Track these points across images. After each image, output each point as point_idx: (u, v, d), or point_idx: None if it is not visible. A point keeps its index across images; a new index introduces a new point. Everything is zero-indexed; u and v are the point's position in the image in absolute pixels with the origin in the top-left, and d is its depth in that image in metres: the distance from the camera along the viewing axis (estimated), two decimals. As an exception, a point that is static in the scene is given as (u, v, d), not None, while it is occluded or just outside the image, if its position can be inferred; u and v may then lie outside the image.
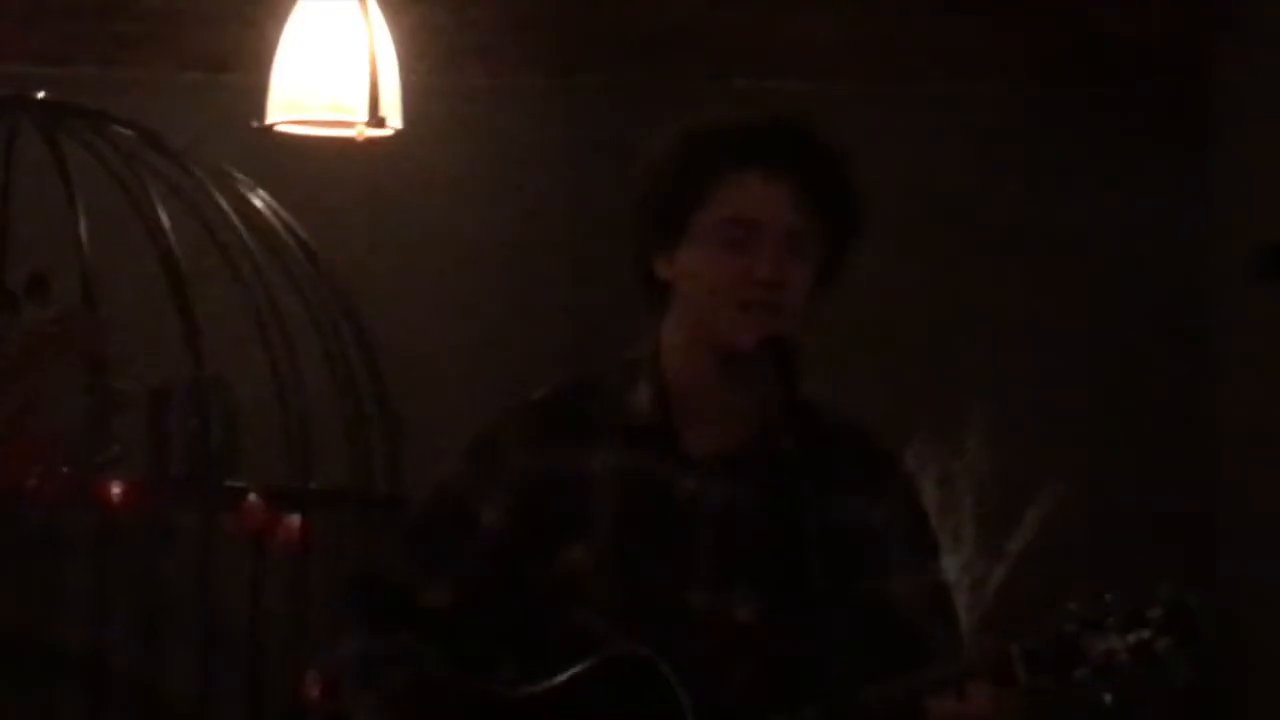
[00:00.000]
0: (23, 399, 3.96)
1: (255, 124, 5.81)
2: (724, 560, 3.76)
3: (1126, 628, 3.56)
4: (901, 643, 3.74)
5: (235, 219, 6.00)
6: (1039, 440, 6.27)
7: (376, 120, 5.78)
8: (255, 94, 5.84)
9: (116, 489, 5.80)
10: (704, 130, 3.72)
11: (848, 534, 3.74)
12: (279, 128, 5.85)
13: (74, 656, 6.16)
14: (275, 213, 6.06)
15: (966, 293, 6.52)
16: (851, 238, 3.71)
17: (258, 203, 6.05)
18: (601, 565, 3.76)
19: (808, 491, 3.73)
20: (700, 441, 3.75)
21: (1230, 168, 6.45)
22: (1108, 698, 3.63)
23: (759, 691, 3.75)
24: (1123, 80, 6.59)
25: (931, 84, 6.58)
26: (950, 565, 5.55)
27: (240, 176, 6.06)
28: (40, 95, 6.03)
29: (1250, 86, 6.37)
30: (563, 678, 3.72)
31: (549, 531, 3.77)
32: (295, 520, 5.89)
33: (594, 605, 3.76)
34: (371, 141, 5.85)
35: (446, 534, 3.83)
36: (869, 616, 3.75)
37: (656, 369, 3.77)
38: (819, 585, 3.68)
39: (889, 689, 3.67)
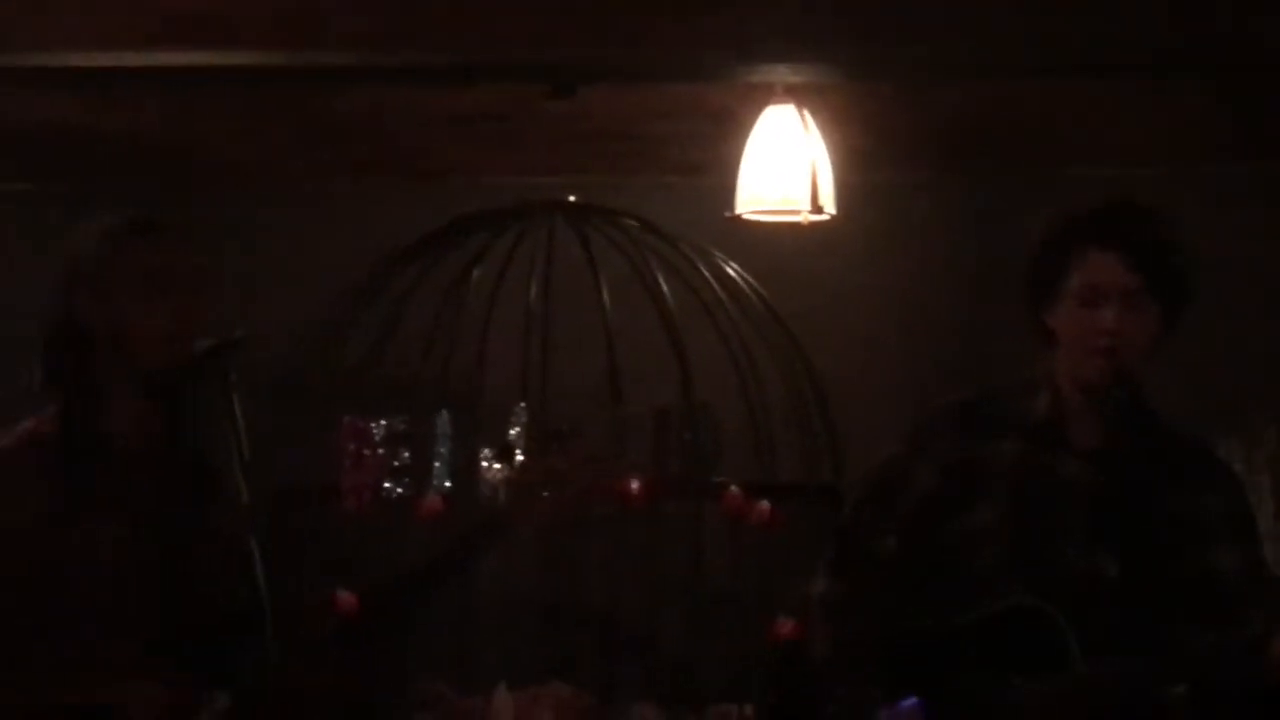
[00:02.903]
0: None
1: (727, 214, 6.00)
2: (1094, 528, 3.87)
3: None
4: (1222, 601, 3.86)
5: (715, 284, 6.24)
6: None
7: (816, 208, 5.93)
8: (724, 191, 6.00)
9: (634, 485, 5.98)
10: (1063, 219, 3.95)
11: (1185, 515, 3.88)
12: (745, 216, 6.02)
13: (595, 615, 6.43)
14: (743, 278, 6.28)
15: (1259, 332, 6.46)
16: (1182, 293, 3.89)
17: (730, 272, 6.27)
18: (1002, 525, 3.91)
19: (1157, 481, 3.89)
20: (1080, 438, 3.92)
21: None
22: None
23: (1117, 634, 3.81)
24: None
25: (1238, 163, 6.54)
26: (1264, 529, 5.53)
27: (718, 253, 6.28)
28: (570, 199, 6.28)
29: None
30: (973, 617, 3.88)
31: (965, 497, 3.94)
32: (765, 506, 6.07)
33: (994, 557, 3.91)
34: (813, 224, 5.98)
35: (892, 497, 4.02)
36: (1198, 579, 3.86)
37: (1053, 384, 3.94)
38: (1164, 551, 3.85)
39: (1237, 641, 3.78)
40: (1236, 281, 6.29)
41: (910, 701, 3.88)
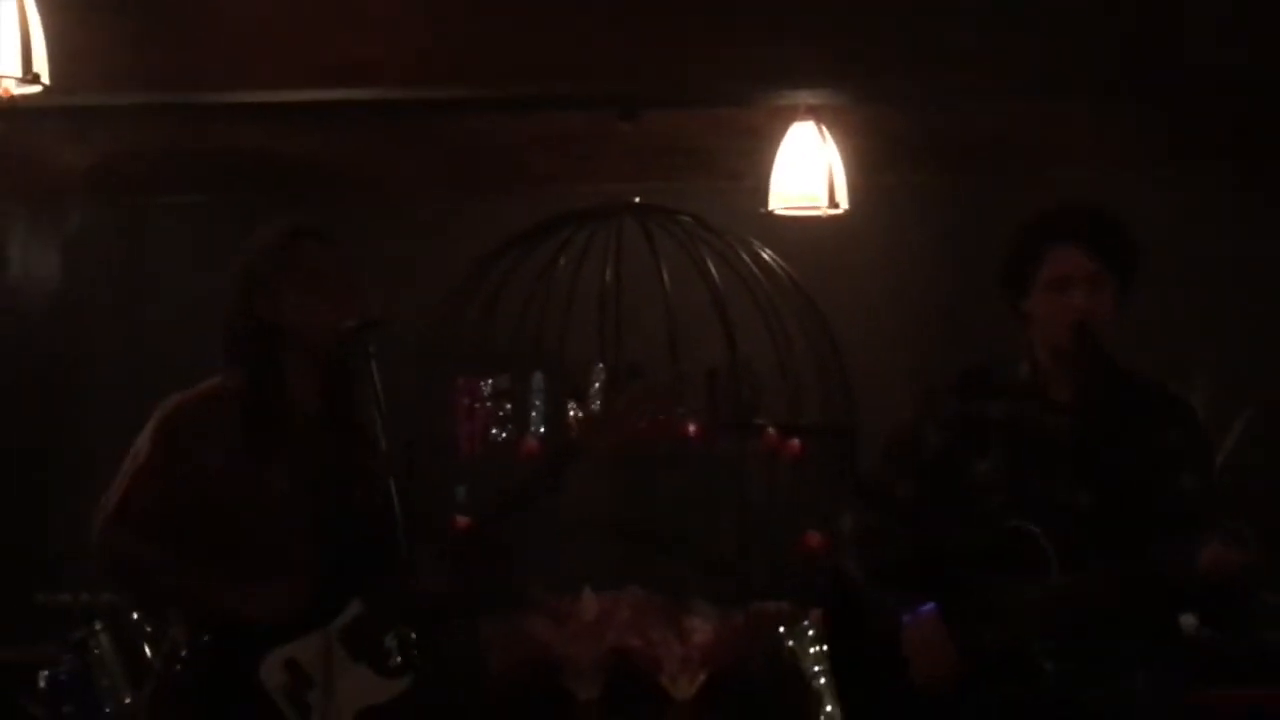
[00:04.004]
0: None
1: (762, 210, 6.18)
2: (1074, 467, 3.93)
3: None
4: (1186, 520, 3.84)
5: (753, 266, 6.41)
6: (1243, 381, 6.07)
7: (833, 205, 6.13)
8: (760, 192, 6.17)
9: (691, 428, 6.18)
10: (1035, 220, 4.03)
11: (1151, 449, 3.92)
12: (776, 211, 6.18)
13: (664, 532, 6.44)
14: (776, 261, 6.44)
15: (1196, 298, 6.46)
16: (1132, 269, 3.97)
17: (766, 256, 6.44)
18: (998, 472, 3.98)
19: (1124, 424, 3.92)
20: (1059, 394, 4.00)
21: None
22: None
23: (1095, 553, 3.85)
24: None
25: (1173, 166, 6.51)
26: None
27: (755, 241, 6.43)
28: (636, 199, 6.43)
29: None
30: (977, 541, 3.94)
31: (967, 451, 4.01)
32: (795, 443, 6.25)
33: (995, 495, 3.97)
34: (830, 218, 6.15)
35: (908, 451, 4.08)
36: (1164, 503, 3.87)
37: (1031, 355, 4.03)
38: (1134, 481, 3.87)
39: (1181, 549, 3.76)
40: (1178, 258, 6.31)
41: (928, 607, 3.96)
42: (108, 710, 5.52)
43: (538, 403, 6.19)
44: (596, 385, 6.13)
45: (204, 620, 3.87)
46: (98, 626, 5.56)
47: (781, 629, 5.90)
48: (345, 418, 4.00)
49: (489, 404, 6.13)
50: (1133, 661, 3.89)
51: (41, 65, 4.66)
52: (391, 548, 3.75)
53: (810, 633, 5.78)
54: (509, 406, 6.17)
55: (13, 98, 4.67)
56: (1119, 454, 3.90)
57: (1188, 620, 4.08)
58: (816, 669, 5.71)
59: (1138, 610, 3.85)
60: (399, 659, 3.86)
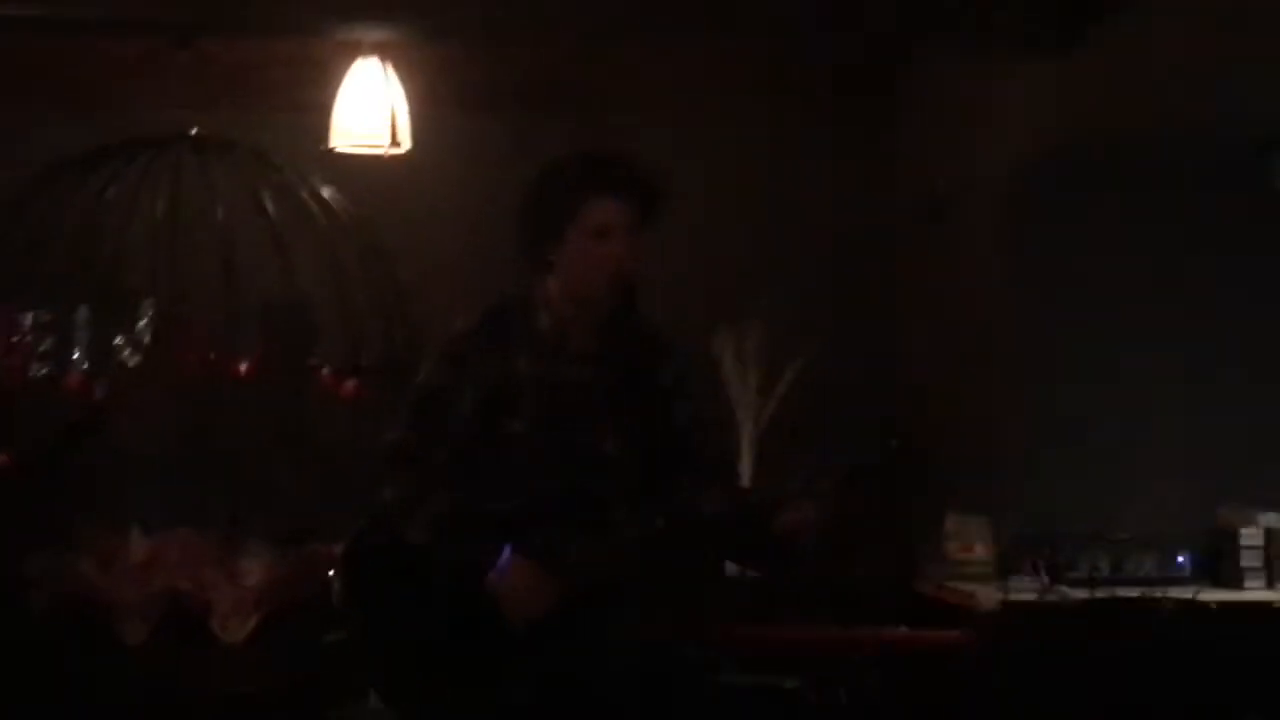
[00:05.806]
0: None
1: (323, 147, 6.03)
2: (596, 415, 3.96)
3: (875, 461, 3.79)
4: (691, 452, 3.98)
5: (312, 202, 6.23)
6: (793, 324, 6.07)
7: (394, 143, 6.00)
8: (323, 128, 6.00)
9: (243, 366, 6.01)
10: (571, 168, 3.95)
11: (657, 390, 4.00)
12: (338, 149, 6.04)
13: (217, 470, 6.18)
14: (335, 198, 6.25)
15: (747, 247, 6.43)
16: (656, 222, 3.96)
17: (325, 193, 6.27)
18: (529, 427, 3.97)
19: (635, 369, 3.98)
20: (578, 345, 3.99)
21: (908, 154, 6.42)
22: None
23: (629, 499, 3.92)
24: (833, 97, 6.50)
25: (712, 111, 6.49)
26: (748, 403, 5.89)
27: (314, 177, 6.23)
28: (194, 131, 6.20)
29: (924, 93, 6.31)
30: (516, 503, 3.93)
31: (497, 410, 3.96)
32: (352, 384, 6.13)
33: (527, 452, 3.96)
34: (392, 156, 6.04)
35: (436, 416, 3.98)
36: (672, 439, 3.98)
37: (549, 305, 3.98)
38: (645, 424, 3.94)
39: (736, 501, 3.93)
40: (730, 208, 6.41)
41: (506, 556, 3.90)
42: None
43: (83, 337, 5.93)
44: (145, 321, 5.91)
45: None
46: None
47: (333, 571, 5.40)
48: None
49: (29, 338, 5.87)
50: (662, 602, 3.98)
51: None
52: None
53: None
54: (51, 341, 5.92)
55: None
56: (633, 399, 3.92)
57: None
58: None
59: (696, 555, 4.05)
60: None
